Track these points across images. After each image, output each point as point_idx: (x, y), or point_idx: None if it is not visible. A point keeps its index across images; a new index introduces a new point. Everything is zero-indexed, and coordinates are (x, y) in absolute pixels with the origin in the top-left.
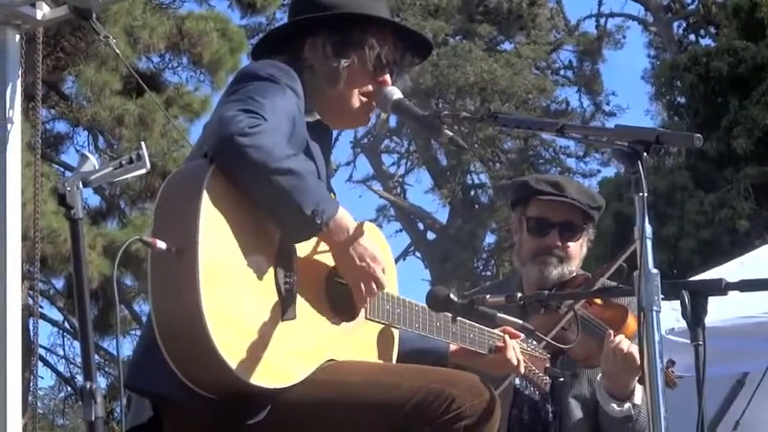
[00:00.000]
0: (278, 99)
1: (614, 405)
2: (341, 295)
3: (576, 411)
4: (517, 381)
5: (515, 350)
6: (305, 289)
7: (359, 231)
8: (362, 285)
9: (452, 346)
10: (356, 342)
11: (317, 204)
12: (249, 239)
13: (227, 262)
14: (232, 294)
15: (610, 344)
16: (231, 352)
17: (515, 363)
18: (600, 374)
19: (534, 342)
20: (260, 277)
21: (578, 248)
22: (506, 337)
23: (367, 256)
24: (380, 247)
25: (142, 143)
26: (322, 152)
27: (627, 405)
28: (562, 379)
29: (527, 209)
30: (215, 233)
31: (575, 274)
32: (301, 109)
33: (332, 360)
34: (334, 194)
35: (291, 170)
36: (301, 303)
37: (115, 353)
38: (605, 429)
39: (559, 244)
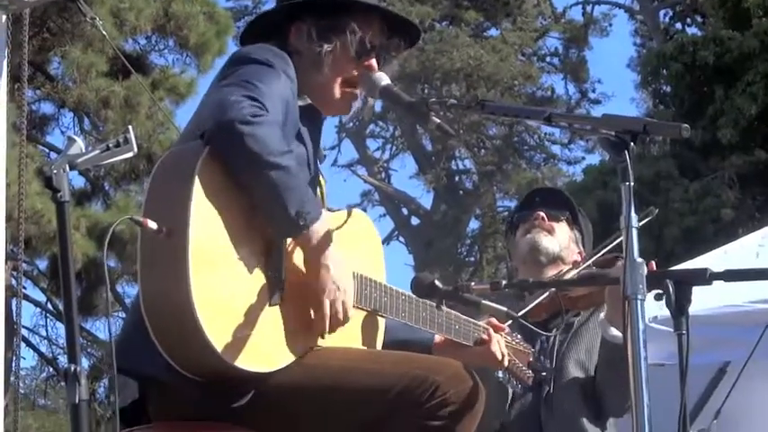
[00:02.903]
0: (274, 84)
1: (614, 331)
2: None
3: (572, 371)
4: (500, 374)
5: (500, 344)
6: (292, 275)
7: (330, 239)
8: (326, 303)
9: (437, 338)
10: (342, 329)
11: (302, 205)
12: (240, 224)
13: (216, 245)
14: (220, 277)
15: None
16: (217, 334)
17: (499, 356)
18: (600, 318)
19: (519, 335)
20: (249, 262)
21: (564, 233)
22: (491, 330)
23: (338, 278)
24: (368, 234)
25: (129, 127)
26: (312, 136)
27: None
28: (545, 374)
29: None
30: (206, 216)
31: (565, 265)
32: (295, 93)
33: (317, 346)
34: (324, 179)
35: (284, 166)
36: (289, 289)
37: (98, 334)
38: (602, 370)
39: (545, 216)
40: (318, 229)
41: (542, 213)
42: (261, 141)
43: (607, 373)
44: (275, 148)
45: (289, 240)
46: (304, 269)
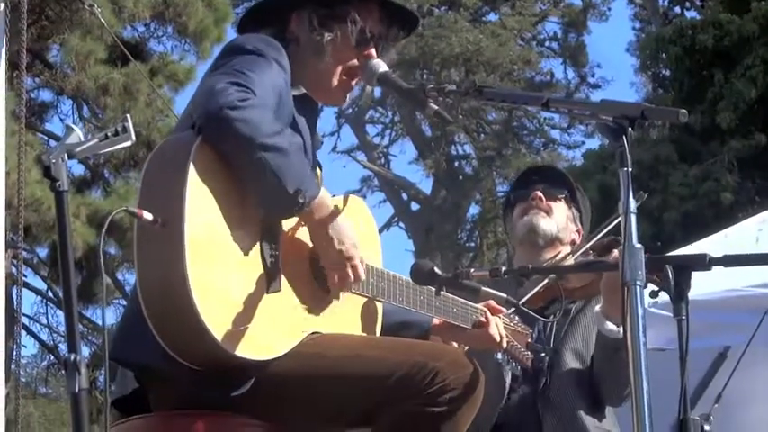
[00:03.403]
0: (265, 73)
1: (610, 325)
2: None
3: (570, 362)
4: (499, 355)
5: (498, 326)
6: (289, 262)
7: (337, 212)
8: (339, 271)
9: (435, 320)
10: (340, 315)
11: (300, 183)
12: (235, 212)
13: (212, 234)
14: (218, 266)
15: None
16: (216, 323)
17: (497, 338)
18: (595, 310)
19: (517, 317)
20: (245, 250)
21: (562, 212)
22: (488, 312)
23: (347, 240)
24: (365, 219)
25: (128, 116)
26: (308, 125)
27: (621, 329)
28: (544, 354)
29: (513, 199)
30: (201, 205)
31: (563, 246)
32: (288, 83)
33: (316, 333)
34: (321, 168)
35: (278, 147)
36: (286, 276)
37: (98, 322)
38: (599, 361)
39: (542, 196)
40: (319, 204)
41: (540, 193)
42: (250, 124)
43: (604, 365)
44: (266, 129)
45: (286, 225)
46: (307, 247)
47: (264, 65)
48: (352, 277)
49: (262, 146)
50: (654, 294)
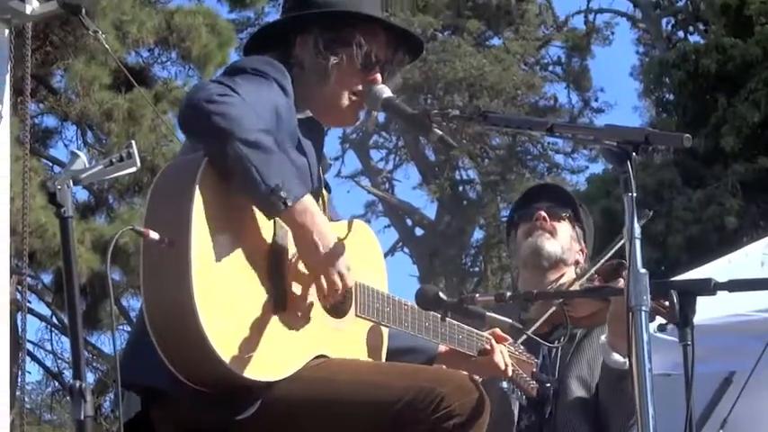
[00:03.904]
0: (262, 89)
1: (616, 356)
2: None
3: (575, 390)
4: (504, 384)
5: (503, 354)
6: (296, 278)
7: (323, 218)
8: (323, 278)
9: (441, 347)
10: (346, 339)
11: (281, 181)
12: (242, 233)
13: (219, 254)
14: (224, 286)
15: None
16: (222, 343)
17: (503, 366)
18: (601, 341)
19: (522, 346)
20: (252, 270)
21: (566, 232)
22: (493, 340)
23: (330, 247)
24: (370, 244)
25: (132, 142)
26: (315, 148)
27: (627, 361)
28: (549, 385)
29: (517, 218)
30: (208, 225)
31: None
32: (290, 104)
33: (322, 356)
34: (330, 190)
35: (259, 143)
36: (292, 298)
37: (103, 348)
38: (604, 390)
39: (546, 217)
40: (304, 206)
41: (543, 213)
42: (228, 117)
43: (610, 395)
44: (247, 125)
45: (293, 250)
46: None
47: (262, 82)
48: (337, 285)
49: (240, 140)
50: (662, 328)
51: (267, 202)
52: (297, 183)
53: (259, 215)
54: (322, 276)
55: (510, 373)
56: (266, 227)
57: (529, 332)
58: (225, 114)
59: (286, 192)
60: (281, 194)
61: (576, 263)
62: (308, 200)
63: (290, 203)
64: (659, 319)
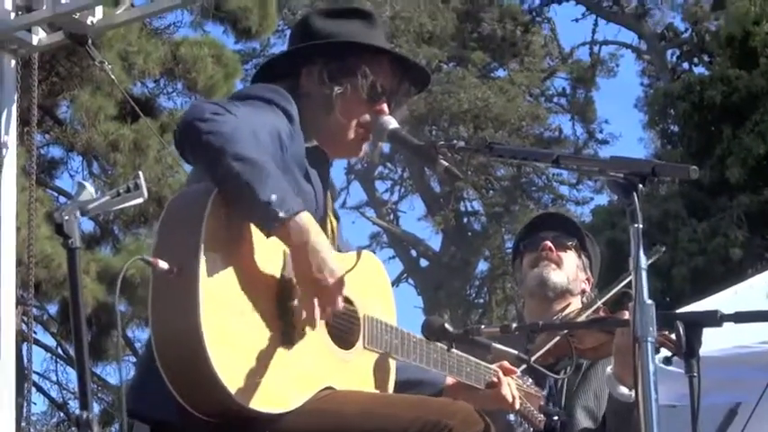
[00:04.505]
0: (261, 112)
1: (623, 389)
2: (339, 323)
3: (582, 420)
4: (512, 417)
5: (510, 386)
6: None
7: (323, 239)
8: (315, 299)
9: (448, 380)
10: (353, 370)
11: (276, 196)
12: (251, 263)
13: (228, 285)
14: (232, 317)
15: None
16: (230, 375)
17: (510, 399)
18: (608, 373)
19: (529, 378)
20: (261, 301)
21: (572, 262)
22: (500, 373)
23: (326, 268)
24: (378, 274)
25: (140, 173)
26: (321, 178)
27: (633, 393)
28: (557, 417)
29: (523, 248)
30: (216, 256)
31: (573, 297)
32: (296, 131)
33: (329, 388)
34: (338, 219)
35: (250, 159)
36: (300, 329)
37: (108, 379)
38: (611, 422)
39: (552, 247)
40: (301, 224)
41: (549, 243)
42: (220, 135)
43: (617, 426)
44: (238, 141)
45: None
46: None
47: (263, 107)
48: (329, 305)
49: (233, 155)
50: (668, 361)
51: (261, 215)
52: (293, 199)
53: (268, 246)
54: (315, 298)
55: (518, 407)
56: (275, 257)
57: (532, 362)
58: (216, 132)
59: (280, 205)
60: (275, 210)
61: (583, 292)
62: (307, 217)
63: (282, 215)
64: (663, 351)
